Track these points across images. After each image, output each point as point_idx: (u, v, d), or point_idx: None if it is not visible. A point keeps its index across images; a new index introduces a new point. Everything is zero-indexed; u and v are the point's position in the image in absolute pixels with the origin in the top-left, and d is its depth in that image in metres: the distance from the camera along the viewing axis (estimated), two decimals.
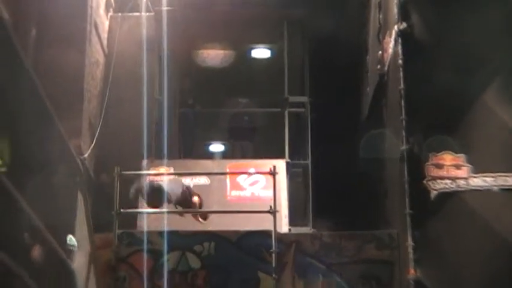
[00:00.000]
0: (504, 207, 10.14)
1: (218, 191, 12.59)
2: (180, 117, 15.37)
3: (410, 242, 10.29)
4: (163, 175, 12.31)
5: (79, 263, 9.71)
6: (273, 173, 10.86)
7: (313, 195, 13.84)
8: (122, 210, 10.76)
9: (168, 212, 11.45)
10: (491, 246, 10.12)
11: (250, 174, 12.52)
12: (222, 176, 12.75)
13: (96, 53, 12.79)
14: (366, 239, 10.17)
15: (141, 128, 13.22)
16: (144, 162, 12.75)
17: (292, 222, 12.97)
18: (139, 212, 11.83)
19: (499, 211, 10.16)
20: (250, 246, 10.42)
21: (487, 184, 10.35)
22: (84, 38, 11.98)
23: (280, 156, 13.69)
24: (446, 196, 10.42)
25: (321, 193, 13.97)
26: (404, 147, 10.58)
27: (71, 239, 9.37)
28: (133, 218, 11.99)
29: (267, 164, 11.87)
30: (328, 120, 14.57)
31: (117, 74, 13.29)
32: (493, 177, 10.36)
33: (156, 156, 13.44)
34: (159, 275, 10.31)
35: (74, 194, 9.81)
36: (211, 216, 11.77)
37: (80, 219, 9.93)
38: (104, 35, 13.39)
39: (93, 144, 11.96)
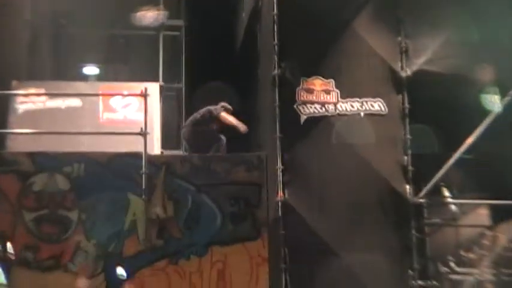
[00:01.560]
0: (369, 131, 10.46)
1: (90, 113, 12.38)
2: (53, 38, 15.00)
3: (279, 165, 10.51)
4: (33, 95, 12.07)
5: None
6: (144, 95, 10.76)
7: (185, 119, 13.86)
8: None
9: (38, 133, 11.26)
10: (356, 170, 10.46)
11: (122, 95, 12.38)
12: (95, 98, 12.53)
13: None
14: (235, 161, 10.25)
15: (11, 49, 12.84)
16: (14, 82, 12.44)
17: (166, 146, 12.99)
18: (8, 133, 11.59)
19: (365, 135, 10.47)
20: (120, 168, 10.33)
21: (354, 109, 10.63)
22: None
23: (155, 80, 13.59)
24: (316, 120, 10.65)
25: None
26: (276, 72, 10.70)
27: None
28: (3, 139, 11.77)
29: (141, 87, 11.65)
30: (203, 44, 14.51)
31: None
32: (359, 102, 10.64)
33: (27, 78, 13.13)
34: (27, 196, 10.16)
35: None
36: (83, 138, 11.62)
37: None
38: None
39: None
